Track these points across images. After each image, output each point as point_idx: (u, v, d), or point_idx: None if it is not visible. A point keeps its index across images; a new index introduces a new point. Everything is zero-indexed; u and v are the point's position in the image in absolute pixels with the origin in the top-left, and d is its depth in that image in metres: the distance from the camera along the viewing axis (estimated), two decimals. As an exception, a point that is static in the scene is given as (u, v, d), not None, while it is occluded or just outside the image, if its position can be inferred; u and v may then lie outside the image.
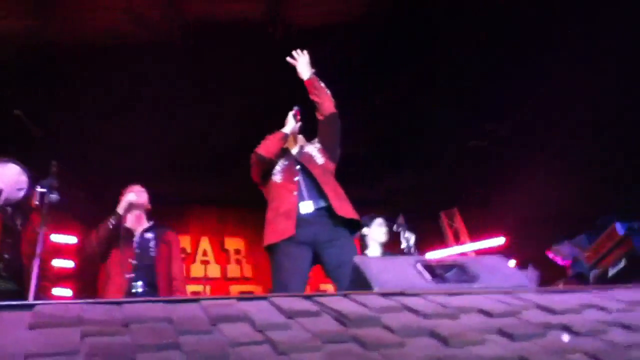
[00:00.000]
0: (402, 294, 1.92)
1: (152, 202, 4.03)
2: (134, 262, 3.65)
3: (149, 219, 3.97)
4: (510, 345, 1.56)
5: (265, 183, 3.47)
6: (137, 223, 3.90)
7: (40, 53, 5.69)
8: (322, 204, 3.23)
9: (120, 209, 3.76)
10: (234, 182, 7.82)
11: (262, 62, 5.92)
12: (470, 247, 8.47)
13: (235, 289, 8.10)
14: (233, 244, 8.60)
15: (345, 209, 3.21)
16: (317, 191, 3.25)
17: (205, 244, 8.40)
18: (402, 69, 6.39)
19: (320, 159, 3.45)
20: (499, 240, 8.23)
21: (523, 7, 5.60)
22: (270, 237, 3.19)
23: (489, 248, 8.08)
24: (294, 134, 3.50)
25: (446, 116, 6.83)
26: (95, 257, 3.72)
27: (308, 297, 1.84)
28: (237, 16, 5.80)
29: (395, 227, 4.06)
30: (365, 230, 4.27)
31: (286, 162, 3.46)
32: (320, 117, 3.46)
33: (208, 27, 5.83)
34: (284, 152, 3.53)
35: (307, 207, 3.20)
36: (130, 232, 3.83)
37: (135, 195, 3.83)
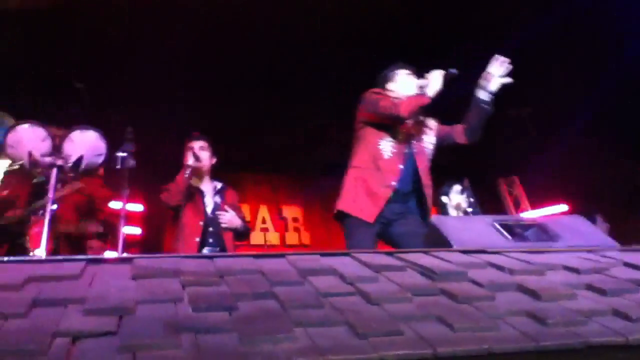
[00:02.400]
0: (483, 251, 1.91)
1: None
2: (201, 223, 3.66)
3: (212, 176, 3.94)
4: (603, 299, 1.54)
5: (367, 141, 3.27)
6: (203, 181, 3.86)
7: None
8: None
9: (190, 161, 3.69)
10: (288, 149, 7.94)
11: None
12: (532, 214, 8.29)
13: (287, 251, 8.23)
14: (290, 212, 8.71)
15: None
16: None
17: (263, 212, 8.55)
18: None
19: (429, 154, 3.35)
20: (562, 208, 8.01)
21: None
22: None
23: (552, 215, 7.88)
24: None
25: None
26: (177, 207, 3.63)
27: (390, 254, 1.86)
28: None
29: (461, 192, 4.00)
30: (444, 199, 4.19)
31: (397, 141, 3.24)
32: (457, 140, 3.34)
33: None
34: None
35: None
36: (199, 191, 3.80)
37: (195, 155, 3.72)
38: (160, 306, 1.34)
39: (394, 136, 3.20)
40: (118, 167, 2.83)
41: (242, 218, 3.92)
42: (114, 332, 1.18)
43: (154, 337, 1.15)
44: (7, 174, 3.31)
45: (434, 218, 2.28)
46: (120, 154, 2.88)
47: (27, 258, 1.72)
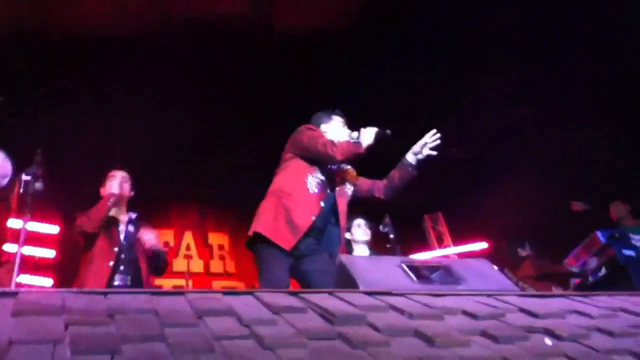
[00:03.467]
0: (388, 293, 1.92)
1: (135, 196, 4.01)
2: (116, 249, 3.63)
3: (129, 208, 3.94)
4: (494, 347, 1.58)
5: (293, 172, 3.30)
6: (120, 211, 3.86)
7: (27, 41, 5.64)
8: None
9: (114, 189, 3.79)
10: (216, 178, 7.86)
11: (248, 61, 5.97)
12: (453, 250, 8.53)
13: (217, 284, 8.05)
14: (217, 239, 8.55)
15: None
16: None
17: (188, 238, 8.35)
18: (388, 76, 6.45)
19: (347, 197, 3.42)
20: (482, 245, 8.29)
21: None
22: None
23: (472, 252, 8.14)
24: None
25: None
26: (92, 234, 3.64)
27: (293, 294, 1.84)
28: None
29: (381, 227, 4.06)
30: (347, 235, 4.25)
31: (323, 178, 3.29)
32: (375, 194, 3.44)
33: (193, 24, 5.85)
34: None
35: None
36: (114, 220, 3.80)
37: (119, 185, 3.82)
38: (36, 347, 1.25)
39: (322, 174, 3.24)
40: (21, 191, 2.69)
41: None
42: (-23, 377, 1.09)
43: (21, 384, 1.07)
44: None
45: (344, 257, 2.29)
46: (24, 177, 2.74)
47: None
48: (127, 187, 3.91)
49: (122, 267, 3.61)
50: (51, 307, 1.47)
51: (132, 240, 3.73)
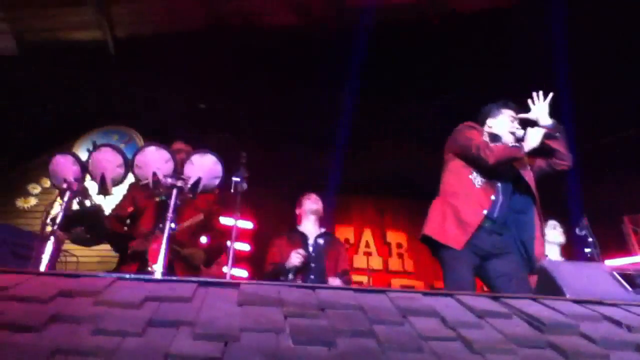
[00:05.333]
0: (599, 302, 1.79)
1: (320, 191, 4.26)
2: (311, 267, 3.87)
3: (320, 224, 4.19)
4: None
5: (457, 170, 3.21)
6: (313, 227, 4.12)
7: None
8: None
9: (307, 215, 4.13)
10: (392, 172, 7.93)
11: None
12: (658, 257, 7.59)
13: (396, 282, 8.13)
14: (395, 237, 8.63)
15: None
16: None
17: (367, 235, 8.55)
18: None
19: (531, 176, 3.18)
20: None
21: None
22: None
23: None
24: None
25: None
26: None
27: (495, 298, 1.79)
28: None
29: (578, 230, 3.76)
30: None
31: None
32: (552, 168, 3.17)
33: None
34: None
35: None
36: (305, 237, 4.06)
37: (313, 204, 4.15)
38: (262, 335, 1.39)
39: (482, 173, 3.11)
40: (232, 191, 2.99)
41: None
42: (219, 358, 1.24)
43: (256, 367, 1.20)
44: (130, 189, 3.61)
45: (546, 262, 2.17)
46: (234, 179, 3.04)
47: (147, 277, 1.85)
48: (319, 212, 4.18)
49: (312, 277, 3.82)
50: (270, 298, 1.61)
51: (321, 252, 3.92)
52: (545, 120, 3.01)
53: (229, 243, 3.34)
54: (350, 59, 6.17)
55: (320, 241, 4.01)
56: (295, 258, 3.69)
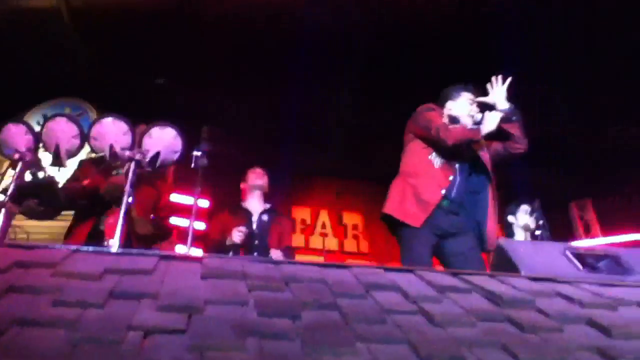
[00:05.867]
0: (553, 280, 1.85)
1: (277, 172, 4.19)
2: (254, 244, 3.80)
3: (266, 200, 4.12)
4: (681, 343, 1.46)
5: (417, 150, 3.24)
6: (257, 203, 4.06)
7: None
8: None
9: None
10: (354, 155, 7.97)
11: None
12: (602, 241, 7.92)
13: (351, 263, 8.24)
14: (351, 218, 8.72)
15: None
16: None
17: (324, 216, 8.60)
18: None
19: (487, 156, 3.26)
20: (637, 236, 7.60)
21: None
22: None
23: (625, 243, 7.50)
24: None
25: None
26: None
27: (455, 274, 1.84)
28: None
29: (529, 212, 3.88)
30: (510, 218, 4.08)
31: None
32: (508, 151, 3.21)
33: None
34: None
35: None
36: (248, 213, 4.00)
37: (257, 179, 4.07)
38: (227, 308, 1.38)
39: (441, 154, 3.16)
40: (192, 166, 2.93)
41: None
42: (183, 329, 1.22)
43: (221, 338, 1.19)
44: (83, 163, 3.49)
45: (503, 241, 2.23)
46: (195, 153, 2.98)
47: (105, 250, 1.81)
48: (264, 184, 4.12)
49: (255, 254, 3.73)
50: (234, 272, 1.60)
51: (265, 228, 3.87)
52: (503, 104, 3.07)
53: (183, 222, 3.26)
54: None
55: (265, 217, 3.96)
56: (237, 236, 3.62)
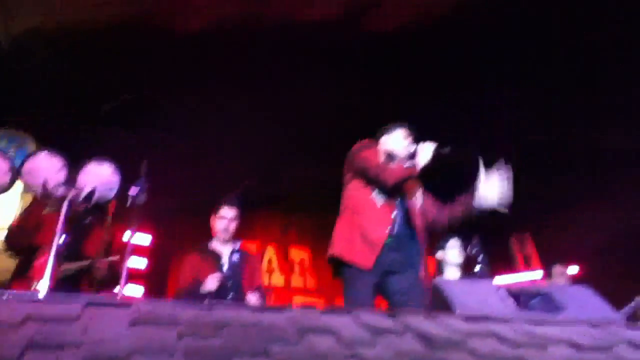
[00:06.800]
0: (486, 319, 1.88)
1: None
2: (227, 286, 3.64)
3: (235, 238, 3.95)
4: (605, 382, 1.50)
5: (358, 189, 3.25)
6: (226, 243, 3.89)
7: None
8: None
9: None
10: (300, 188, 7.97)
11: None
12: (541, 274, 8.17)
13: (298, 299, 8.15)
14: (298, 254, 8.67)
15: None
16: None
17: (270, 252, 8.51)
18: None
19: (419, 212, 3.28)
20: (572, 269, 7.88)
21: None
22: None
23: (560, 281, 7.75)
24: None
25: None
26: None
27: (391, 315, 1.84)
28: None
29: (469, 249, 3.96)
30: (439, 254, 4.15)
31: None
32: (438, 218, 3.29)
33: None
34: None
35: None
36: (218, 255, 3.83)
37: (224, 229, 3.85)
38: (154, 358, 1.33)
39: (382, 192, 3.20)
40: (128, 204, 2.84)
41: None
42: (105, 382, 1.17)
43: (144, 392, 1.14)
44: (33, 200, 3.35)
45: (438, 280, 2.26)
46: (132, 189, 2.89)
47: (28, 295, 1.72)
48: (233, 227, 3.91)
49: (231, 294, 3.61)
50: (164, 318, 1.55)
51: (237, 270, 3.73)
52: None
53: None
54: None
55: (235, 258, 3.88)
56: (212, 283, 3.48)
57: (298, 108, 6.64)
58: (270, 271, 8.31)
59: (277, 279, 8.30)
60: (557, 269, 5.40)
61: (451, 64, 6.01)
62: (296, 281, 8.38)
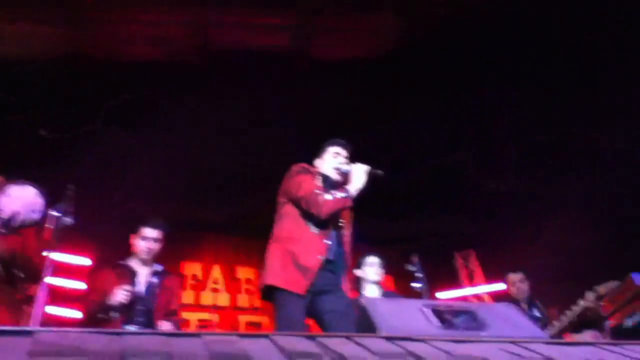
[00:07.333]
0: (408, 339, 1.88)
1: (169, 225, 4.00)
2: (139, 307, 3.56)
3: (155, 260, 3.87)
4: (517, 400, 1.52)
5: (291, 215, 3.25)
6: (146, 262, 3.81)
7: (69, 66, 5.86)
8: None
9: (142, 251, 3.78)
10: (247, 210, 7.88)
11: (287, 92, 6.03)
12: (483, 289, 8.33)
13: (244, 318, 8.04)
14: (245, 273, 8.56)
15: None
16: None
17: (216, 272, 8.37)
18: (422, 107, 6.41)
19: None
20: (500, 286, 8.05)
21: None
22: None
23: (502, 291, 7.91)
24: None
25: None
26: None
27: (310, 337, 1.81)
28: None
29: (409, 267, 3.99)
30: (358, 272, 4.15)
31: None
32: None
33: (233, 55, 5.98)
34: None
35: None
36: (134, 272, 3.74)
37: (147, 250, 3.78)
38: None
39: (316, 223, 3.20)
40: (51, 226, 2.74)
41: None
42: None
43: None
44: None
45: (364, 299, 2.26)
46: (55, 212, 2.79)
47: None
48: (156, 248, 3.82)
49: (140, 315, 3.53)
50: (68, 348, 1.47)
51: (152, 292, 3.64)
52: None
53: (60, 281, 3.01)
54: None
55: (154, 280, 3.76)
56: (120, 295, 3.38)
57: (250, 128, 6.63)
58: (215, 291, 8.18)
59: (223, 299, 8.17)
60: (510, 277, 5.40)
61: (451, 64, 6.10)
62: (242, 301, 8.26)
